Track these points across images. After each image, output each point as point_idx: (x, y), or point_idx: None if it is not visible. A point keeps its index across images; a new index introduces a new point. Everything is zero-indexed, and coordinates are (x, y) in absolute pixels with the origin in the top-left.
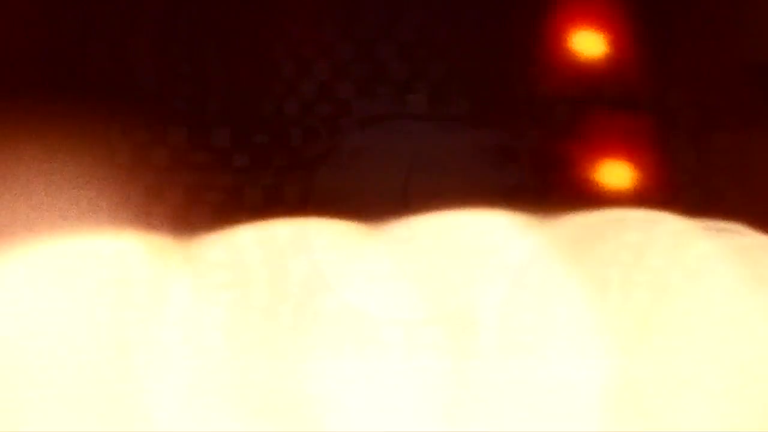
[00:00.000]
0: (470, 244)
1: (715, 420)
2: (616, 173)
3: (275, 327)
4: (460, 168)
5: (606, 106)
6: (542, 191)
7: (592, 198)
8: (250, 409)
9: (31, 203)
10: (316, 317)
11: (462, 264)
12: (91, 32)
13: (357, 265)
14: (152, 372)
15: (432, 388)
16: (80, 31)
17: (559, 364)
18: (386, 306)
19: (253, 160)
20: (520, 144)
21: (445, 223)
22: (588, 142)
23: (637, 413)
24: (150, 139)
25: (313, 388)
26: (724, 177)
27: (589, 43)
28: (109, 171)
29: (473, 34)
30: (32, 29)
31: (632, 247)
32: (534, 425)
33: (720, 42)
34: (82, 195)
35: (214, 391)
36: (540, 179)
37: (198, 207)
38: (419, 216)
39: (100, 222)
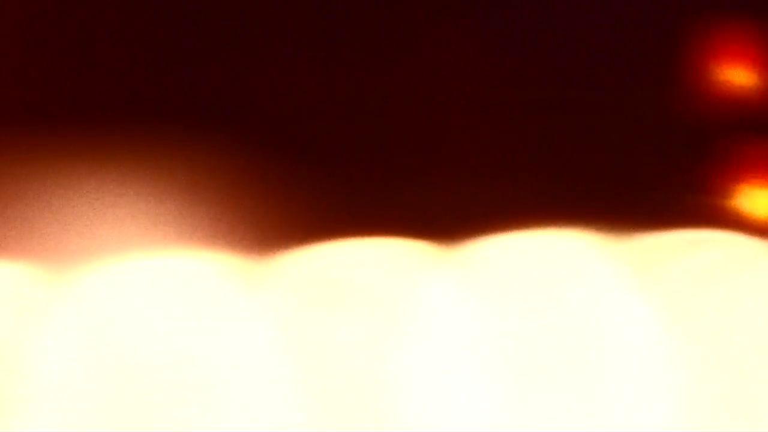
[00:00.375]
0: (547, 264)
1: None
2: (758, 199)
3: (352, 344)
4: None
5: (751, 132)
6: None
7: (731, 223)
8: (332, 416)
9: (116, 223)
10: (392, 336)
11: (537, 284)
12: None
13: (432, 284)
14: (237, 379)
15: (504, 407)
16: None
17: (631, 384)
18: (461, 324)
19: (327, 177)
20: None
21: (522, 242)
22: (732, 168)
23: (709, 426)
24: (229, 159)
25: (388, 401)
26: None
27: (734, 72)
28: (189, 191)
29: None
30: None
31: (708, 268)
32: None
33: None
34: (162, 214)
35: (298, 401)
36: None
37: (277, 226)
38: (496, 235)
39: (183, 240)
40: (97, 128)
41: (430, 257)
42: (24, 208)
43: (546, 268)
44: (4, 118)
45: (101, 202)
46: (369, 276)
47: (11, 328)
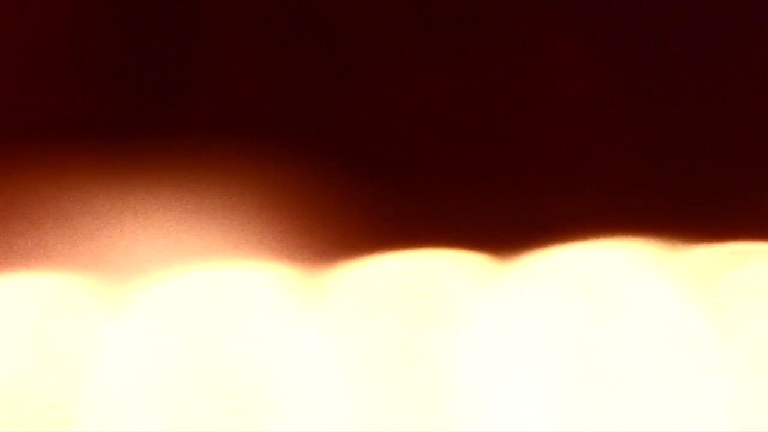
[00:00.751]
0: (603, 275)
1: None
2: None
3: (408, 354)
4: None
5: None
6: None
7: None
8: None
9: (176, 235)
10: (447, 346)
11: (593, 295)
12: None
13: (487, 296)
14: (294, 387)
15: (558, 415)
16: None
17: (687, 393)
18: (517, 335)
19: (385, 189)
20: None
21: (577, 254)
22: None
23: None
24: (287, 172)
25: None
26: None
27: None
28: (248, 204)
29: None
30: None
31: (755, 280)
32: None
33: None
34: (222, 226)
35: (350, 406)
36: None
37: (334, 237)
38: (552, 247)
39: (241, 252)
40: (155, 143)
41: (486, 269)
42: (85, 221)
43: (602, 279)
44: (71, 133)
45: (161, 214)
46: (426, 287)
47: (73, 338)
